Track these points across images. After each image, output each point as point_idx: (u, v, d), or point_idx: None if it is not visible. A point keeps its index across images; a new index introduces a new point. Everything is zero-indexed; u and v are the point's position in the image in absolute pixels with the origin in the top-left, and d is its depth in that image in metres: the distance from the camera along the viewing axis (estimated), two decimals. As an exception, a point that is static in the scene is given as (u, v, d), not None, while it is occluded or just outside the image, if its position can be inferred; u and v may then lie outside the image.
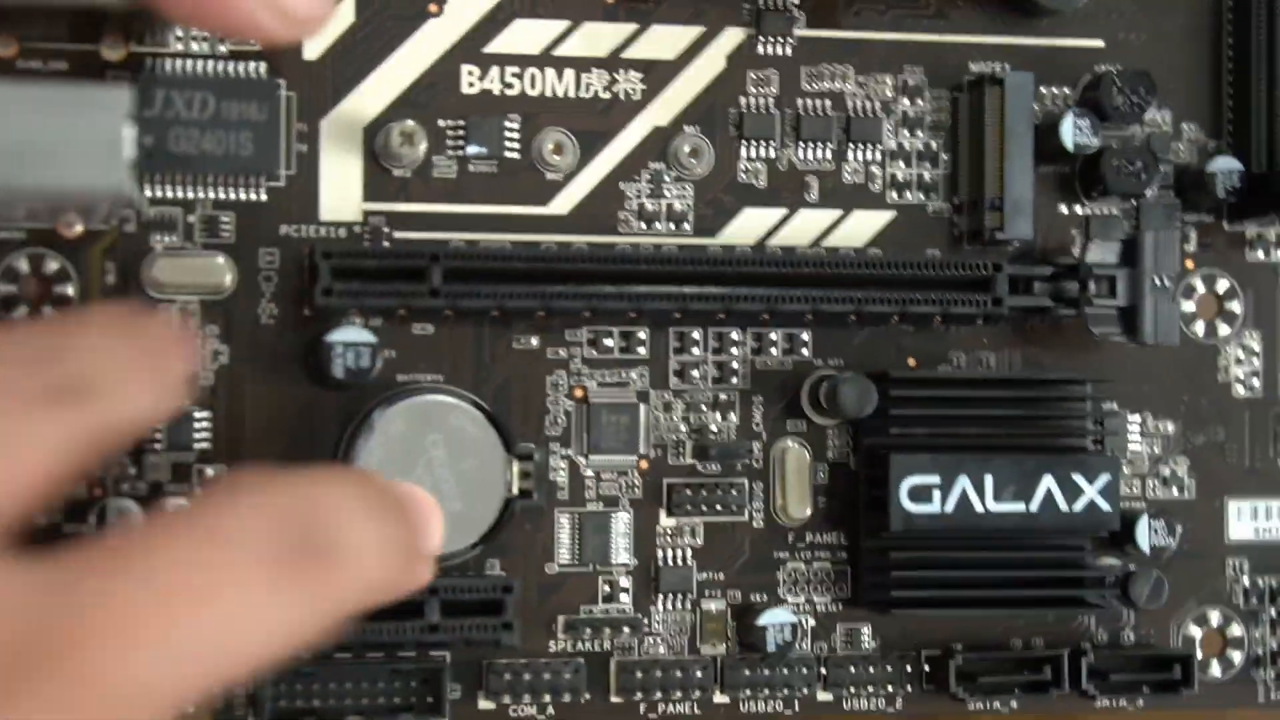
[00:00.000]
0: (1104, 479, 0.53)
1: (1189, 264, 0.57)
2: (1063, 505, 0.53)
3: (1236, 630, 0.56)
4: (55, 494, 0.37)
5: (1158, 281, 0.54)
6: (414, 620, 0.49)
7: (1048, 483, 0.53)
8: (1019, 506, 0.52)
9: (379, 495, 0.39)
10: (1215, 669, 0.56)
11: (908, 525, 0.52)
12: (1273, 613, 0.57)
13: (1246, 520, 0.57)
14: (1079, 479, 0.53)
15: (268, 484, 0.38)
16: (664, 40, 0.53)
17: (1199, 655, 0.56)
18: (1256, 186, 0.55)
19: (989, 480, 0.52)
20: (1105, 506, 0.53)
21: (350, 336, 0.50)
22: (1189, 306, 0.57)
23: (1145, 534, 0.54)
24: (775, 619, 0.52)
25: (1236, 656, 0.57)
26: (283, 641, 0.36)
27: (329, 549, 0.37)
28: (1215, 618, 0.56)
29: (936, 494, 0.52)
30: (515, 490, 0.51)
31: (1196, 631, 0.56)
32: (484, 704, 0.52)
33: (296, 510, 0.37)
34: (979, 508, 0.52)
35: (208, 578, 0.35)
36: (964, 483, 0.52)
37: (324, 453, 0.51)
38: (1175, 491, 0.56)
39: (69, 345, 0.37)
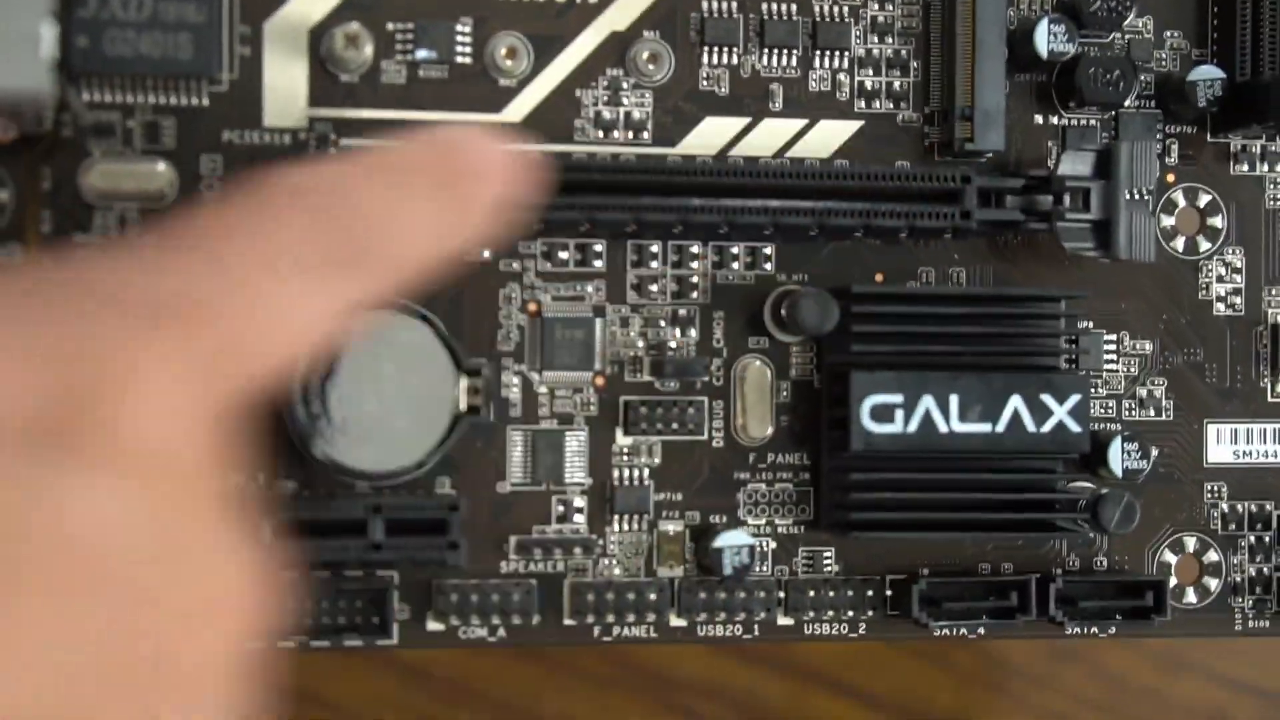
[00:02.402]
0: (1074, 399, 0.52)
1: (1170, 178, 0.56)
2: (1030, 426, 0.52)
3: (1213, 556, 0.56)
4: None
5: (1134, 194, 0.53)
6: (357, 538, 0.49)
7: (1015, 403, 0.52)
8: (985, 427, 0.52)
9: (421, 170, 0.39)
10: (1191, 596, 0.56)
11: (869, 445, 0.52)
12: (1251, 539, 0.56)
13: (1226, 444, 0.56)
14: (1048, 399, 0.52)
15: (301, 185, 0.37)
16: (623, -59, 0.53)
17: (1174, 582, 0.56)
18: (1239, 96, 0.55)
19: (954, 400, 0.52)
20: (1075, 428, 0.52)
21: (293, 247, 0.49)
22: (1169, 221, 0.56)
23: (1118, 456, 0.54)
24: (732, 541, 0.52)
25: (1213, 584, 0.56)
26: (323, 334, 0.36)
27: (367, 248, 0.36)
28: (1192, 544, 0.56)
29: (899, 413, 0.52)
30: (464, 407, 0.50)
31: (1172, 558, 0.56)
32: (432, 625, 0.52)
33: (332, 216, 0.36)
34: (943, 428, 0.52)
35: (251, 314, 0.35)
36: (928, 402, 0.52)
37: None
38: (1152, 413, 0.56)
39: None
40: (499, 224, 0.39)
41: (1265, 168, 0.56)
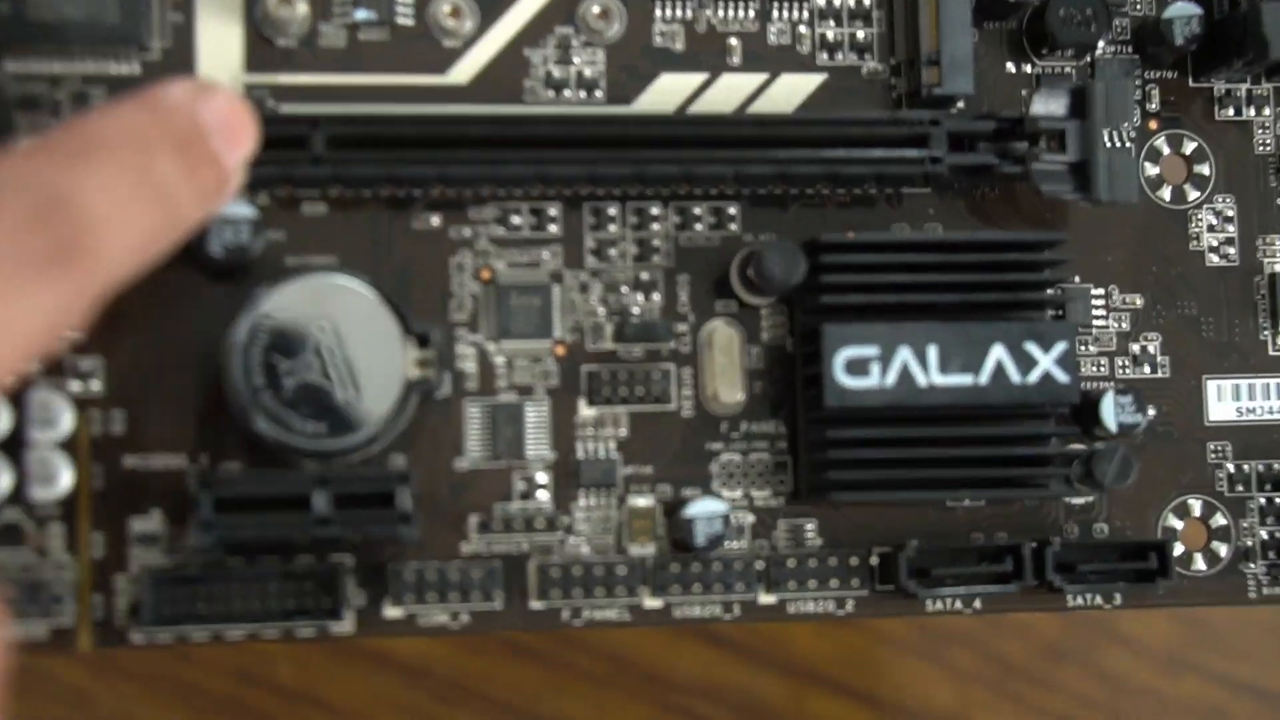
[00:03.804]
0: (1060, 347, 0.50)
1: (1152, 125, 0.54)
2: (1016, 377, 0.50)
3: (1221, 520, 0.54)
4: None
5: (1112, 136, 0.51)
6: (300, 514, 0.47)
7: (998, 353, 0.50)
8: (967, 379, 0.50)
9: (147, 135, 0.36)
10: (1200, 563, 0.54)
11: (844, 401, 0.49)
12: (1261, 500, 0.54)
13: (1228, 400, 0.54)
14: (1032, 348, 0.50)
15: (13, 170, 0.34)
16: (567, -106, 0.51)
17: (1181, 549, 0.53)
18: (1218, 33, 0.53)
19: (933, 351, 0.50)
20: (1063, 377, 0.50)
21: (227, 210, 0.48)
22: (1153, 170, 0.54)
23: (1111, 410, 0.52)
24: (704, 510, 0.50)
25: (1222, 549, 0.54)
26: (40, 338, 0.34)
27: (76, 242, 0.34)
28: (1197, 507, 0.54)
29: (875, 367, 0.49)
30: (414, 377, 0.48)
31: (1178, 523, 0.54)
32: (391, 611, 0.49)
33: (43, 201, 0.34)
34: (923, 381, 0.50)
35: None
36: (905, 354, 0.49)
37: (204, 342, 0.49)
38: (1147, 370, 0.54)
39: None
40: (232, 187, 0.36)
41: (1251, 112, 0.54)
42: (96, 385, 0.49)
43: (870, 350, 0.49)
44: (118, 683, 0.50)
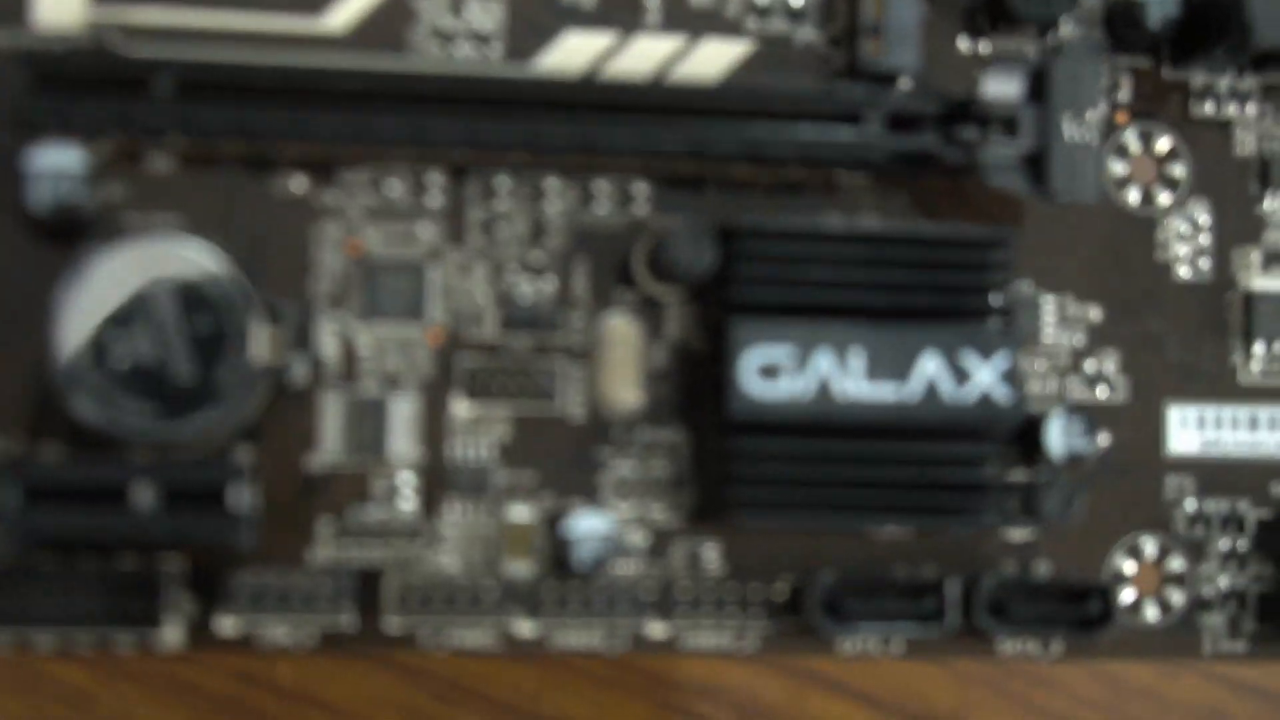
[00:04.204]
0: (1002, 359, 0.44)
1: (1120, 117, 0.48)
2: (949, 391, 0.44)
3: (1177, 564, 0.48)
4: None
5: (1073, 124, 0.45)
6: (119, 509, 0.41)
7: (931, 362, 0.44)
8: (894, 391, 0.44)
9: None
10: (1150, 612, 0.48)
11: (752, 410, 0.43)
12: (1223, 545, 0.48)
13: (1191, 429, 0.48)
14: (970, 358, 0.44)
15: None
16: None
17: (1133, 596, 0.47)
18: (1197, 17, 0.47)
19: (857, 356, 0.44)
20: (1003, 394, 0.44)
21: (54, 162, 0.42)
22: (1120, 169, 0.48)
23: (1058, 434, 0.46)
24: (584, 529, 0.44)
25: (1177, 596, 0.48)
26: None
27: None
28: (1151, 548, 0.48)
29: (789, 371, 0.43)
30: (263, 359, 0.42)
31: (1130, 565, 0.48)
32: (224, 626, 0.43)
33: None
34: (843, 390, 0.44)
35: None
36: (825, 357, 0.44)
37: (29, 308, 0.43)
38: (1103, 393, 0.48)
39: None
40: None
41: (1233, 108, 0.49)
42: (-99, 352, 0.43)
43: (784, 351, 0.44)
44: (118, 682, 0.47)
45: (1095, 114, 0.46)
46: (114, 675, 0.50)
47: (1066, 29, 0.48)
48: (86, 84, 0.42)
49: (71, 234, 0.43)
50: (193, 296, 0.42)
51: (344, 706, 0.51)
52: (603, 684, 0.52)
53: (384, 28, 0.45)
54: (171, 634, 0.43)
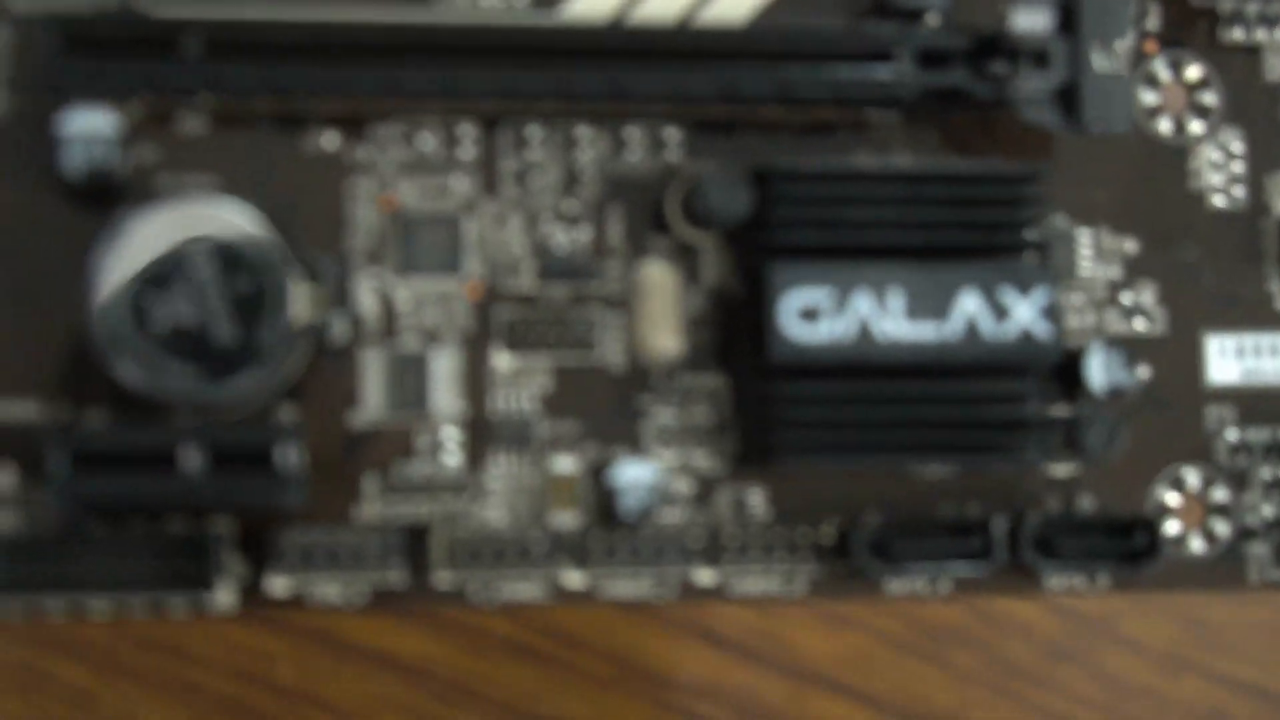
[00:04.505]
0: (1040, 294, 0.44)
1: (1150, 46, 0.48)
2: (989, 328, 0.44)
3: (1220, 495, 0.48)
4: None
5: (1102, 54, 0.45)
6: (167, 473, 0.41)
7: (970, 299, 0.44)
8: (932, 330, 0.44)
9: None
10: (1196, 544, 0.48)
11: (792, 353, 0.43)
12: (1265, 474, 0.48)
13: (1230, 359, 0.48)
14: (1009, 294, 0.44)
15: None
16: None
17: (1177, 528, 0.47)
18: (1226, -59, 0.47)
19: (896, 296, 0.44)
20: (1043, 329, 0.44)
21: (86, 126, 0.42)
22: (1151, 99, 0.48)
23: (1098, 369, 0.46)
24: (628, 479, 0.44)
25: (1221, 527, 0.48)
26: None
27: None
28: (1194, 480, 0.48)
29: (828, 312, 0.43)
30: (304, 319, 0.42)
31: (1173, 498, 0.48)
32: (276, 586, 0.43)
33: None
34: (883, 332, 0.44)
35: None
36: (863, 299, 0.44)
37: (66, 273, 0.43)
38: (1141, 325, 0.48)
39: None
40: None
41: (1262, 33, 0.48)
42: (-60, 323, 0.43)
43: (823, 293, 0.44)
44: (119, 682, 0.47)
45: (1124, 43, 0.46)
46: (116, 675, 0.50)
47: (1094, -40, 0.47)
48: (115, 46, 0.42)
49: (105, 198, 0.43)
50: (230, 257, 0.42)
51: (344, 706, 0.51)
52: (603, 684, 0.52)
53: (409, -20, 0.45)
54: (224, 596, 0.43)
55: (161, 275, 0.42)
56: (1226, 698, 0.54)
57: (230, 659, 0.50)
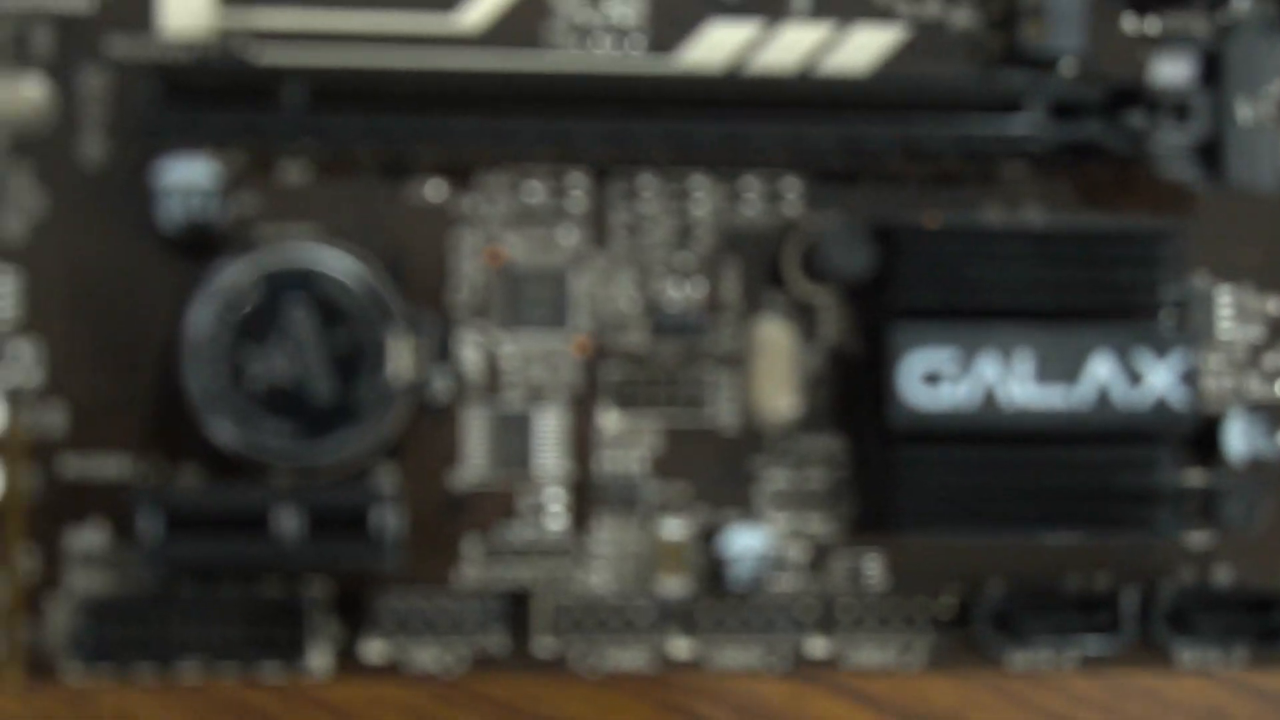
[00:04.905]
0: (1178, 358, 0.42)
1: (1297, 95, 0.46)
2: (1122, 393, 0.42)
3: (1367, 569, 0.45)
4: None
5: (1248, 106, 0.43)
6: (262, 536, 0.40)
7: (1102, 363, 0.42)
8: (1061, 396, 0.42)
9: None
10: (1339, 619, 0.45)
11: (914, 418, 0.42)
12: None
13: (1379, 427, 0.45)
14: (1143, 358, 0.42)
15: None
16: None
17: (1319, 603, 0.45)
18: (1380, -15, 0.44)
19: (1023, 360, 0.42)
20: (1179, 394, 0.42)
21: (185, 176, 0.41)
22: (1298, 151, 0.46)
23: (1237, 436, 0.43)
24: (741, 544, 0.42)
25: (1367, 603, 0.45)
26: None
27: None
28: (1339, 553, 0.45)
29: (952, 375, 0.41)
30: (405, 375, 0.41)
31: (1315, 572, 0.45)
32: (371, 652, 0.42)
33: None
34: (1009, 397, 0.42)
35: None
36: (990, 361, 0.42)
37: (162, 326, 0.42)
38: (1282, 389, 0.45)
39: None
40: None
41: None
42: (35, 374, 0.42)
43: (946, 356, 0.42)
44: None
45: (1272, 94, 0.44)
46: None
47: (1239, 4, 0.45)
48: (215, 94, 0.41)
49: (203, 249, 0.42)
50: (329, 311, 0.41)
51: (345, 707, 0.50)
52: (603, 684, 0.51)
53: (519, 24, 0.44)
54: (318, 660, 0.42)
55: (258, 329, 0.41)
56: (1226, 698, 0.52)
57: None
